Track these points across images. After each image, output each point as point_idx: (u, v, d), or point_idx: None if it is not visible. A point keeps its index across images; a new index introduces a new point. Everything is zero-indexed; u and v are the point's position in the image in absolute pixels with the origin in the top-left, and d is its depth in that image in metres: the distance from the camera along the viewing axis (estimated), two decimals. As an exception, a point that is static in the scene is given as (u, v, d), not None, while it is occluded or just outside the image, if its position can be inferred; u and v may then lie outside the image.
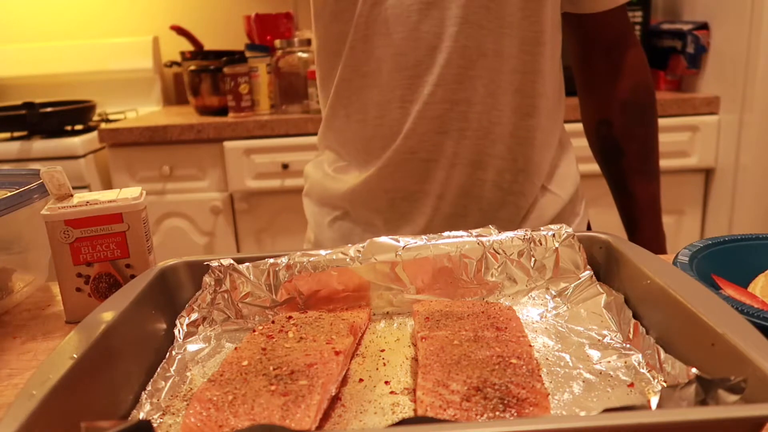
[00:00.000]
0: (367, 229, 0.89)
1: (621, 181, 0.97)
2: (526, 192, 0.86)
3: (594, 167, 1.95)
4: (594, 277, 0.61)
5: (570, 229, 0.62)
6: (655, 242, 0.97)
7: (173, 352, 0.55)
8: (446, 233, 0.62)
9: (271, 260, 0.61)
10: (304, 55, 2.03)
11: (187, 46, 2.27)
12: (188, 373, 0.52)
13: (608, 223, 2.03)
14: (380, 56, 0.79)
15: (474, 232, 0.62)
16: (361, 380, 0.50)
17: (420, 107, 0.79)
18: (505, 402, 0.41)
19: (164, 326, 0.57)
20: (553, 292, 0.61)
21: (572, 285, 0.61)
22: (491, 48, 0.78)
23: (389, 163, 0.83)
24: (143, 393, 0.48)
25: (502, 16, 0.78)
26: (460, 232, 0.62)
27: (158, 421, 0.45)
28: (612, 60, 0.93)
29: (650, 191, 0.96)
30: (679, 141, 1.86)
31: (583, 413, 0.44)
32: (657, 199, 0.96)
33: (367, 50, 0.80)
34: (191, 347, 0.56)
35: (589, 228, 1.00)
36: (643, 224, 0.96)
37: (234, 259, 0.60)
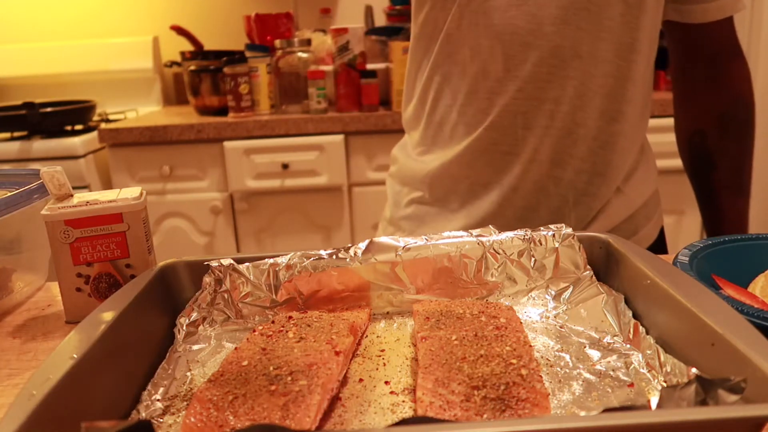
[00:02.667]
0: (441, 212, 0.90)
1: (709, 195, 0.96)
2: (601, 194, 0.86)
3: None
4: (594, 277, 0.61)
5: (570, 229, 0.62)
6: None
7: (173, 352, 0.55)
8: (446, 233, 0.62)
9: (271, 260, 0.61)
10: (304, 55, 2.03)
11: (187, 46, 2.27)
12: (188, 373, 0.52)
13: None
14: (474, 46, 0.80)
15: (474, 232, 0.62)
16: (361, 380, 0.50)
17: (506, 101, 0.80)
18: (505, 402, 0.41)
19: (164, 326, 0.57)
20: (553, 292, 0.61)
21: (572, 285, 0.61)
22: (586, 50, 0.78)
23: (469, 151, 0.84)
24: (143, 393, 0.48)
25: (600, 19, 0.77)
26: (460, 232, 0.62)
27: (158, 421, 0.45)
28: (714, 71, 0.91)
29: (738, 207, 0.94)
30: (679, 141, 1.86)
31: (583, 413, 0.44)
32: (744, 216, 0.95)
33: (461, 39, 0.81)
34: (191, 347, 0.56)
35: (662, 235, 0.98)
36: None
37: (234, 259, 0.60)
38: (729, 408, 0.36)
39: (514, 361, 0.46)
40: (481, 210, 0.86)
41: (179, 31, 2.24)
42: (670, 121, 1.96)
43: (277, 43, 2.04)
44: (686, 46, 0.92)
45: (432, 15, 0.84)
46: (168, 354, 0.54)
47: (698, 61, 0.93)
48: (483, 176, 0.85)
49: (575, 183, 0.84)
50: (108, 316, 0.50)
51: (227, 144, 1.93)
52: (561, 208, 0.85)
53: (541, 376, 0.44)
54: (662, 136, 1.86)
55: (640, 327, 0.52)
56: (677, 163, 2.01)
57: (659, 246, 0.97)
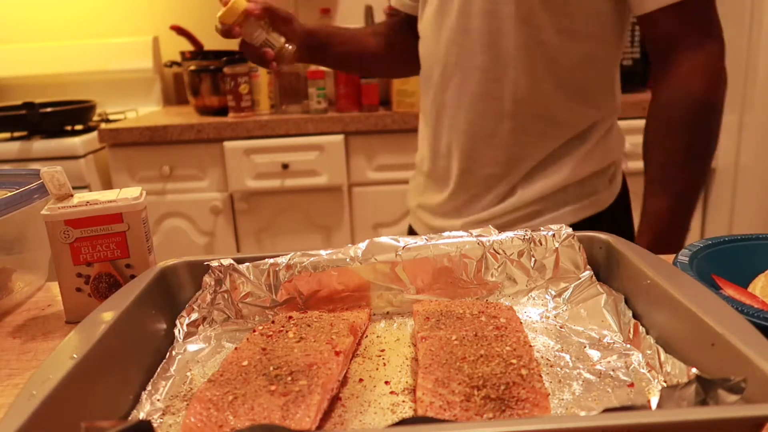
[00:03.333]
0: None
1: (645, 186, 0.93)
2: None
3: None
4: (594, 277, 0.61)
5: (570, 229, 0.62)
6: None
7: (173, 352, 0.55)
8: (446, 233, 0.62)
9: (271, 260, 0.61)
10: (304, 55, 2.03)
11: (187, 46, 2.27)
12: (188, 373, 0.52)
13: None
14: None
15: (474, 232, 0.62)
16: (361, 380, 0.50)
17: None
18: (505, 402, 0.41)
19: (164, 326, 0.57)
20: (553, 292, 0.61)
21: (572, 285, 0.61)
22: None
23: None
24: (143, 393, 0.48)
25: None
26: (460, 232, 0.62)
27: (158, 421, 0.45)
28: (661, 62, 0.89)
29: (656, 206, 0.90)
30: (679, 141, 1.86)
31: (583, 413, 0.44)
32: (662, 217, 0.90)
33: None
34: (191, 347, 0.56)
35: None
36: (639, 236, 0.93)
37: (234, 259, 0.60)
38: (729, 408, 0.36)
39: (514, 361, 0.46)
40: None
41: (179, 31, 2.24)
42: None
43: (277, 43, 2.04)
44: (643, 37, 0.93)
45: None
46: (168, 354, 0.54)
47: (651, 52, 0.92)
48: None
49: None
50: (108, 316, 0.50)
51: (227, 144, 1.93)
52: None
53: (541, 376, 0.44)
54: (662, 136, 1.87)
55: (640, 327, 0.52)
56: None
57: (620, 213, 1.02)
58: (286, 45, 1.00)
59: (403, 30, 1.12)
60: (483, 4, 0.90)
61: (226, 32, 0.99)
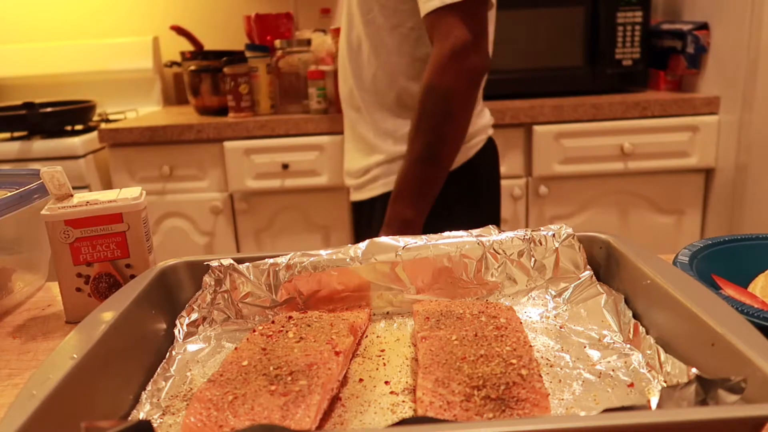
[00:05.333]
0: None
1: None
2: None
3: (592, 167, 1.96)
4: (594, 277, 0.61)
5: (570, 229, 0.62)
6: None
7: (173, 352, 0.55)
8: (446, 233, 0.62)
9: (271, 260, 0.61)
10: (304, 55, 2.03)
11: (187, 46, 2.27)
12: (188, 373, 0.52)
13: (607, 223, 2.02)
14: None
15: (474, 232, 0.62)
16: (361, 380, 0.50)
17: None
18: (505, 402, 0.41)
19: (164, 326, 0.57)
20: (553, 292, 0.61)
21: (572, 285, 0.61)
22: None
23: None
24: (143, 393, 0.48)
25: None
26: (461, 232, 0.62)
27: (158, 421, 0.45)
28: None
29: (401, 167, 1.11)
30: (679, 141, 1.86)
31: (583, 413, 0.44)
32: (399, 179, 1.12)
33: None
34: (191, 347, 0.56)
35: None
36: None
37: (234, 259, 0.60)
38: (729, 408, 0.36)
39: (514, 361, 0.46)
40: None
41: (179, 31, 2.24)
42: (670, 122, 1.95)
43: (277, 43, 2.04)
44: None
45: None
46: (168, 354, 0.54)
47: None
48: None
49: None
50: (108, 316, 0.50)
51: (227, 144, 1.93)
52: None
53: (541, 376, 0.44)
54: (663, 136, 1.87)
55: (640, 327, 0.52)
56: (677, 163, 2.01)
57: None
58: None
59: None
60: None
61: None
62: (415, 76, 1.16)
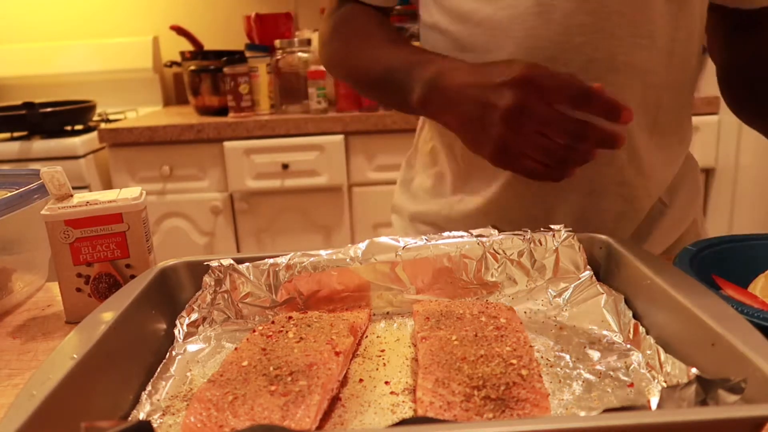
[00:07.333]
0: None
1: None
2: (641, 208, 0.80)
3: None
4: (594, 277, 0.61)
5: (570, 229, 0.62)
6: None
7: (173, 352, 0.55)
8: (446, 233, 0.62)
9: (271, 260, 0.61)
10: (304, 55, 2.03)
11: (187, 46, 2.27)
12: (188, 374, 0.52)
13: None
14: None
15: (474, 232, 0.62)
16: (361, 380, 0.50)
17: None
18: (506, 402, 0.41)
19: (164, 326, 0.57)
20: (553, 292, 0.61)
21: (572, 285, 0.61)
22: (622, 61, 0.69)
23: (508, 188, 0.77)
24: (143, 393, 0.48)
25: (637, 23, 0.68)
26: (460, 232, 0.62)
27: (158, 421, 0.45)
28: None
29: None
30: (679, 141, 1.86)
31: (583, 413, 0.44)
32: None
33: (477, 55, 0.72)
34: (191, 347, 0.56)
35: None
36: None
37: (234, 259, 0.60)
38: (729, 408, 0.36)
39: (514, 361, 0.46)
40: None
41: (179, 31, 2.24)
42: (670, 121, 1.94)
43: (277, 43, 2.04)
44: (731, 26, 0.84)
45: (457, 27, 0.74)
46: (168, 354, 0.54)
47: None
48: (526, 207, 0.78)
49: (613, 206, 0.78)
50: (108, 316, 0.50)
51: (227, 144, 1.93)
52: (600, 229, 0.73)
53: (541, 377, 0.44)
54: (662, 136, 1.86)
55: (640, 327, 0.52)
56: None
57: None
58: None
59: None
60: None
61: None
62: None
